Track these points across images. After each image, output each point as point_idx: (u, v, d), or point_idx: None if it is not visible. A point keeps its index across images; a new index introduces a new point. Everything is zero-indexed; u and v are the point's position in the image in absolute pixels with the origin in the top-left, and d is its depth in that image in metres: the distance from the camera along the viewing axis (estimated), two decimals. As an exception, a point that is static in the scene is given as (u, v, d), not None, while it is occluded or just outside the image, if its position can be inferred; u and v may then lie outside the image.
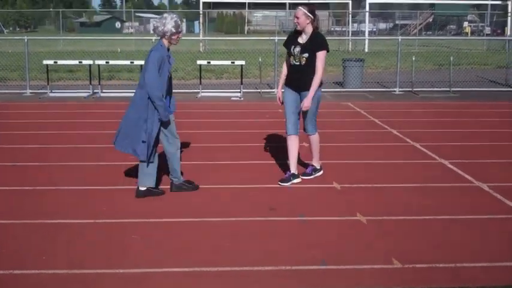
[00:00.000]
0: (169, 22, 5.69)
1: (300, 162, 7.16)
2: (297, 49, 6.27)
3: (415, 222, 5.38)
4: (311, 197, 6.12)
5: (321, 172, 6.75)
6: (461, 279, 4.19)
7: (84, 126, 10.11)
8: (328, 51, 6.28)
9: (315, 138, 6.56)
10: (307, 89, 6.23)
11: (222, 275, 4.28)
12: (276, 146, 8.32)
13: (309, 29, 6.24)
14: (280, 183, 6.47)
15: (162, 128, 5.87)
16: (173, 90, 6.14)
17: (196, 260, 4.51)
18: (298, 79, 6.31)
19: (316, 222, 5.40)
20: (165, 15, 5.79)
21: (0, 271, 4.27)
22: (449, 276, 4.26)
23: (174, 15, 5.78)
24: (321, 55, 6.19)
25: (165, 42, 5.78)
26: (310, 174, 6.67)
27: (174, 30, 5.71)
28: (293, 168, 6.56)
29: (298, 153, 6.69)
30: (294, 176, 6.53)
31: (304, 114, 6.40)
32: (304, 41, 6.26)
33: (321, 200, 6.02)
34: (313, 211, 5.65)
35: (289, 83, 6.45)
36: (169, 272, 4.32)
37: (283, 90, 6.58)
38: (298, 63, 6.28)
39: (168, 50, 5.85)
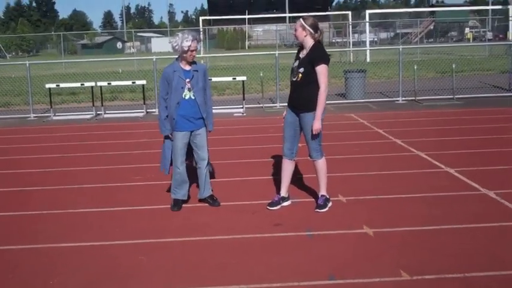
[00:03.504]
0: (180, 41, 5.94)
1: (309, 182, 7.12)
2: (295, 64, 5.90)
3: (422, 233, 5.33)
4: (318, 212, 6.06)
5: (330, 203, 6.13)
6: (472, 289, 4.14)
7: (88, 148, 10.11)
8: (327, 64, 5.75)
9: (320, 164, 6.02)
10: (304, 109, 5.81)
11: (229, 294, 4.24)
12: (280, 162, 8.29)
13: (309, 43, 5.81)
14: (268, 207, 6.18)
15: (191, 144, 6.20)
16: None
17: (202, 278, 4.47)
18: (295, 97, 5.92)
19: (323, 236, 5.35)
20: (179, 33, 6.05)
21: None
22: (459, 286, 4.21)
23: (187, 34, 6.00)
24: (320, 69, 5.69)
25: (181, 59, 6.08)
26: (324, 206, 6.04)
27: (185, 49, 5.95)
28: (283, 191, 6.25)
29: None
30: (284, 199, 6.26)
31: (306, 138, 5.91)
32: (303, 55, 5.87)
33: (326, 214, 5.97)
34: (319, 225, 5.60)
35: (288, 101, 6.05)
36: (176, 293, 4.28)
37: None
38: (295, 79, 5.86)
39: (194, 63, 6.14)
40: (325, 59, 5.78)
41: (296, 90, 5.92)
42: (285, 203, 6.26)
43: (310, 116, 5.80)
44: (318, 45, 5.89)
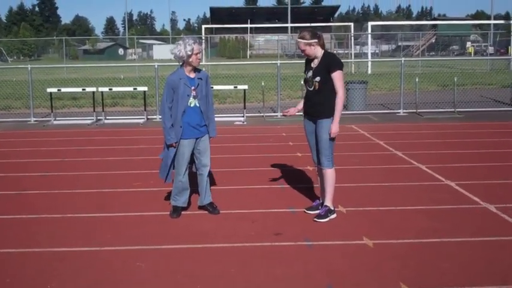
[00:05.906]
0: (183, 47, 5.93)
1: (309, 192, 7.09)
2: (309, 74, 5.96)
3: (422, 246, 5.30)
4: (317, 221, 6.04)
5: (335, 215, 6.08)
6: (472, 304, 4.11)
7: (88, 154, 10.09)
8: (342, 69, 5.87)
9: (329, 173, 6.01)
10: (321, 116, 5.87)
11: (228, 302, 4.21)
12: (280, 171, 8.28)
13: (319, 52, 5.91)
14: (306, 211, 6.26)
15: (194, 151, 6.18)
16: None
17: (200, 287, 4.44)
18: (312, 105, 5.96)
19: (322, 246, 5.32)
20: (179, 41, 6.04)
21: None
22: (459, 300, 4.18)
23: (187, 39, 6.00)
24: (336, 75, 5.80)
25: (186, 65, 6.04)
26: (325, 217, 6.00)
27: (189, 53, 5.93)
28: (322, 197, 6.22)
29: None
30: (331, 212, 6.10)
31: (319, 144, 5.96)
32: (315, 65, 5.94)
33: (326, 224, 5.94)
34: (318, 235, 5.58)
35: (305, 111, 6.11)
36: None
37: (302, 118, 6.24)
38: (311, 88, 5.93)
39: (197, 71, 6.12)
40: (339, 65, 5.89)
41: (312, 99, 5.98)
42: (333, 216, 6.11)
43: (327, 122, 5.88)
44: (329, 52, 6.01)
